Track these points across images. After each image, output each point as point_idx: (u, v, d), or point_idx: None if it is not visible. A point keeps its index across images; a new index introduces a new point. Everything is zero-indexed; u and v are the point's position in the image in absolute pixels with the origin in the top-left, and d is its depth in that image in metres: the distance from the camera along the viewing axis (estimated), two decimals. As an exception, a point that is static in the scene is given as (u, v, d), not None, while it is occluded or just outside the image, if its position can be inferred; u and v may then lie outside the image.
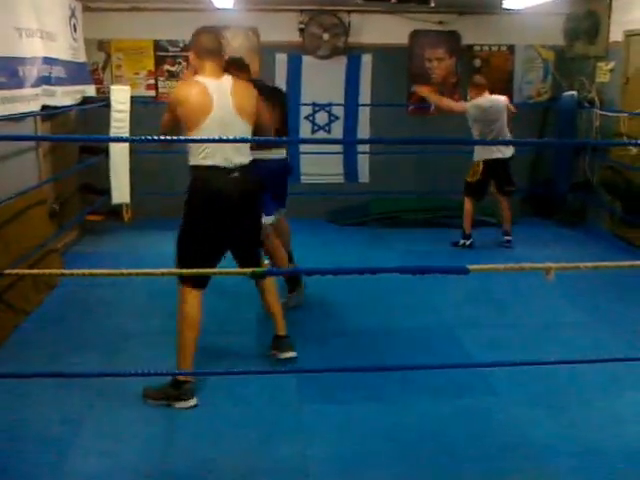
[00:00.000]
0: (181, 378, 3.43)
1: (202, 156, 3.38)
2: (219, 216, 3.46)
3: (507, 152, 6.33)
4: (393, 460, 3.02)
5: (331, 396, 3.60)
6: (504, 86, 7.75)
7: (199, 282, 3.51)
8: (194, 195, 3.48)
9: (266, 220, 4.29)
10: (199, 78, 3.43)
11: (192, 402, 3.42)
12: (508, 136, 6.37)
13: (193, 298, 3.50)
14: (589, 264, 3.82)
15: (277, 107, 4.55)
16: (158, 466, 2.96)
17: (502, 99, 6.42)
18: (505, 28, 7.63)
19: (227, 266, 3.68)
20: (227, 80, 3.47)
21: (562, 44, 7.77)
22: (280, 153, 4.73)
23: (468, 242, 6.53)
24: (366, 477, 2.93)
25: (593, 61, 7.34)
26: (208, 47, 3.45)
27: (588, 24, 7.25)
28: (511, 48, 7.87)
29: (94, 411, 3.40)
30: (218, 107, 3.36)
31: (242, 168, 3.46)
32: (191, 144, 3.40)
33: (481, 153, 6.33)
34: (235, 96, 3.44)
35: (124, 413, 3.39)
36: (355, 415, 3.42)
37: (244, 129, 3.48)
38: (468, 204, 6.50)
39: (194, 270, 3.31)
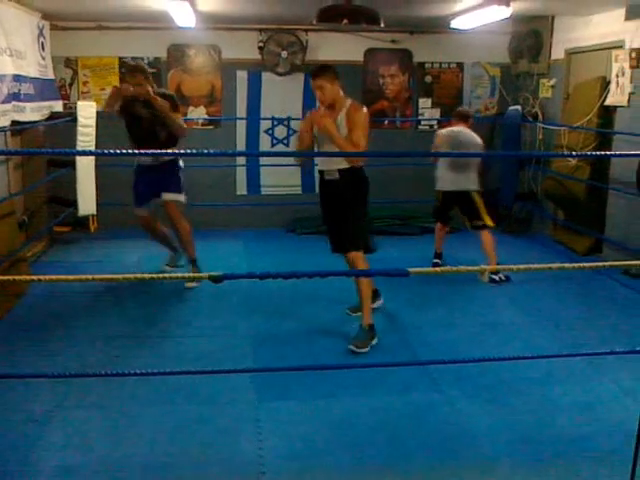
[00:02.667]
0: (370, 321, 4.44)
1: None
2: None
3: (460, 185, 5.94)
4: (343, 452, 3.16)
5: (286, 394, 3.74)
6: (454, 101, 8.12)
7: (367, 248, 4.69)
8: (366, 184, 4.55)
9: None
10: None
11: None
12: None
13: (365, 262, 4.51)
14: (520, 266, 4.14)
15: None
16: (120, 459, 3.08)
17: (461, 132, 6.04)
18: (454, 46, 7.89)
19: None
20: None
21: (508, 62, 8.06)
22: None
23: (438, 261, 6.25)
24: (318, 468, 3.05)
25: (536, 78, 7.66)
26: None
27: (531, 43, 7.54)
28: (460, 65, 8.15)
29: (60, 411, 3.52)
30: None
31: None
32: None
33: (438, 182, 6.12)
34: None
35: (88, 412, 3.52)
36: (307, 411, 3.56)
37: None
38: (437, 226, 6.38)
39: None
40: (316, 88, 4.38)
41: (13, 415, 3.47)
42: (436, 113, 8.23)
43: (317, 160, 4.70)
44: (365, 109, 4.47)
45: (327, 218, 4.76)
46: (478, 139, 5.96)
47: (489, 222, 5.93)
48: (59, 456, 3.11)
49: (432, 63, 8.15)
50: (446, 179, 5.99)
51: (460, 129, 6.03)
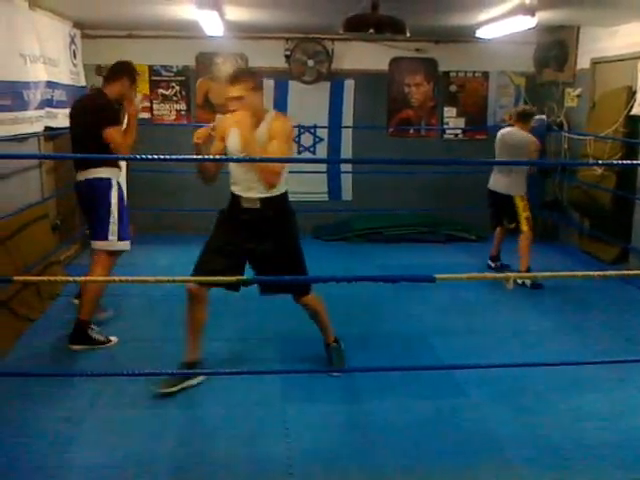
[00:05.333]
0: (333, 336, 4.18)
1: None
2: None
3: (502, 188, 6.08)
4: (369, 455, 3.20)
5: (311, 396, 3.79)
6: (479, 110, 8.18)
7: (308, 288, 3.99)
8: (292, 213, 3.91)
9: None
10: None
11: None
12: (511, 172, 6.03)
13: (316, 298, 4.03)
14: (546, 273, 4.20)
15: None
16: (152, 458, 3.14)
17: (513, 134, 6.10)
18: (479, 55, 7.89)
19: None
20: None
21: (532, 71, 8.06)
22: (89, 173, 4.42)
23: (495, 264, 6.44)
24: (345, 470, 3.08)
25: (562, 87, 7.64)
26: None
27: (557, 52, 7.54)
28: (485, 74, 8.16)
29: (95, 409, 3.61)
30: None
31: None
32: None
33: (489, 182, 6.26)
34: None
35: (121, 412, 3.59)
36: (335, 414, 3.60)
37: None
38: (496, 230, 6.51)
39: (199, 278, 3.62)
40: (232, 99, 3.62)
41: (48, 413, 3.55)
42: (461, 122, 8.25)
43: (232, 181, 3.81)
44: (289, 121, 3.84)
45: (228, 249, 3.77)
46: (528, 139, 5.96)
47: (524, 227, 6.01)
48: (92, 454, 3.18)
49: (457, 72, 8.17)
50: (493, 180, 6.20)
51: (510, 130, 6.11)
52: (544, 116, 7.68)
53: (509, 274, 3.34)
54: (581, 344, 4.68)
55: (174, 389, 3.76)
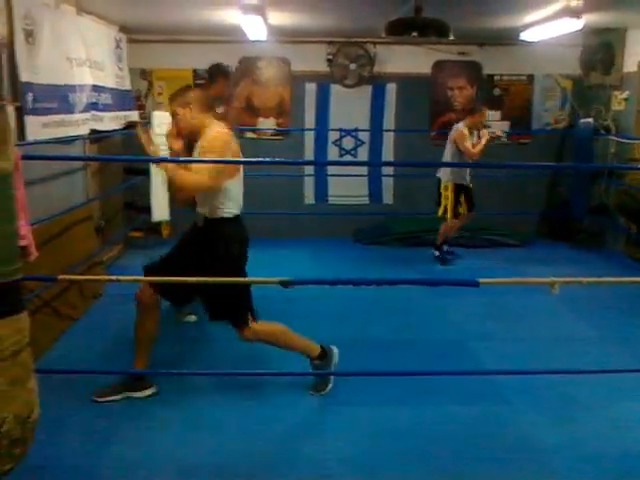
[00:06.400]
0: (315, 353, 3.83)
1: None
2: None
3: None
4: (406, 460, 3.17)
5: (352, 399, 3.79)
6: (523, 114, 8.07)
7: (253, 312, 3.70)
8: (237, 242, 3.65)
9: None
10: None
11: None
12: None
13: (262, 325, 3.70)
14: (591, 279, 4.07)
15: None
16: (188, 456, 3.17)
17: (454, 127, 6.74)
18: (524, 58, 7.80)
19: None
20: None
21: (579, 74, 7.94)
22: None
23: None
24: (380, 475, 3.07)
25: (609, 90, 7.50)
26: None
27: (603, 55, 7.43)
28: (530, 77, 8.07)
29: (132, 407, 3.66)
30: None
31: None
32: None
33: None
34: None
35: (158, 410, 3.64)
36: (372, 417, 3.59)
37: None
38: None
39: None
40: (173, 115, 3.67)
41: (86, 411, 3.61)
42: (505, 125, 8.14)
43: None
44: (227, 134, 3.60)
45: (178, 262, 3.65)
46: (456, 129, 6.63)
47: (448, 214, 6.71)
48: (128, 451, 3.21)
49: (501, 75, 8.09)
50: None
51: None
52: (591, 119, 7.56)
53: (554, 279, 3.24)
54: (625, 352, 4.57)
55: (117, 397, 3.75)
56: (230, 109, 4.67)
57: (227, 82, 4.79)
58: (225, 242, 3.57)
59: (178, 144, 3.82)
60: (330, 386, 3.87)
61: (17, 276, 1.88)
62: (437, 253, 6.98)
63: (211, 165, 3.39)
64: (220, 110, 4.28)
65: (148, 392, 3.79)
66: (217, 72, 4.96)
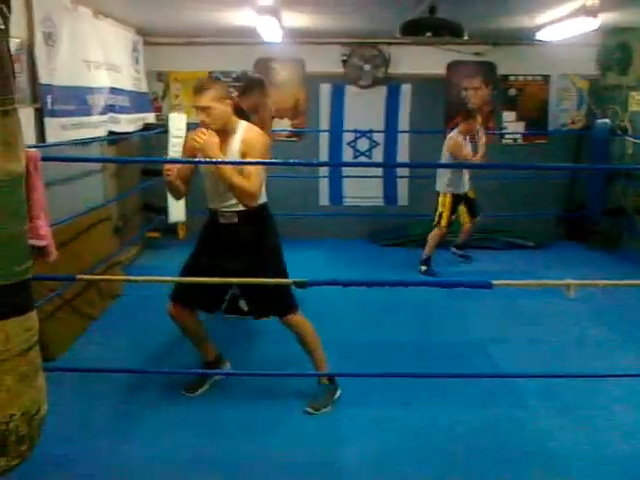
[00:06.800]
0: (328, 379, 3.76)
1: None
2: None
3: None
4: (420, 463, 3.17)
5: (365, 401, 3.78)
6: (539, 114, 8.03)
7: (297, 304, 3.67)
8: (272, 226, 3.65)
9: None
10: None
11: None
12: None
13: (304, 318, 3.69)
14: (607, 282, 4.06)
15: None
16: (205, 456, 3.20)
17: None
18: (539, 58, 7.74)
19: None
20: None
21: (595, 74, 7.89)
22: None
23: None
24: (394, 477, 3.07)
25: (626, 90, 7.43)
26: None
27: (620, 55, 7.37)
28: (546, 78, 8.01)
29: (151, 407, 3.69)
30: None
31: None
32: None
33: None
34: None
35: (178, 410, 3.67)
36: (387, 419, 3.58)
37: None
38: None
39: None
40: (200, 109, 3.34)
41: (107, 409, 3.65)
42: (520, 126, 8.12)
43: (208, 196, 3.61)
44: (264, 135, 3.51)
45: (209, 268, 3.42)
46: (448, 138, 6.50)
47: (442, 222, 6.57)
48: (148, 450, 3.24)
49: (516, 75, 8.05)
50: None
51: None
52: (608, 120, 7.52)
53: (570, 281, 3.23)
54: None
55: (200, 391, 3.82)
56: (265, 116, 4.52)
57: (263, 94, 4.68)
58: (269, 228, 3.60)
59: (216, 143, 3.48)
60: (327, 409, 3.70)
61: (27, 275, 1.90)
62: (459, 252, 7.03)
63: (259, 170, 3.31)
64: (253, 119, 4.26)
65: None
66: (253, 83, 4.76)
